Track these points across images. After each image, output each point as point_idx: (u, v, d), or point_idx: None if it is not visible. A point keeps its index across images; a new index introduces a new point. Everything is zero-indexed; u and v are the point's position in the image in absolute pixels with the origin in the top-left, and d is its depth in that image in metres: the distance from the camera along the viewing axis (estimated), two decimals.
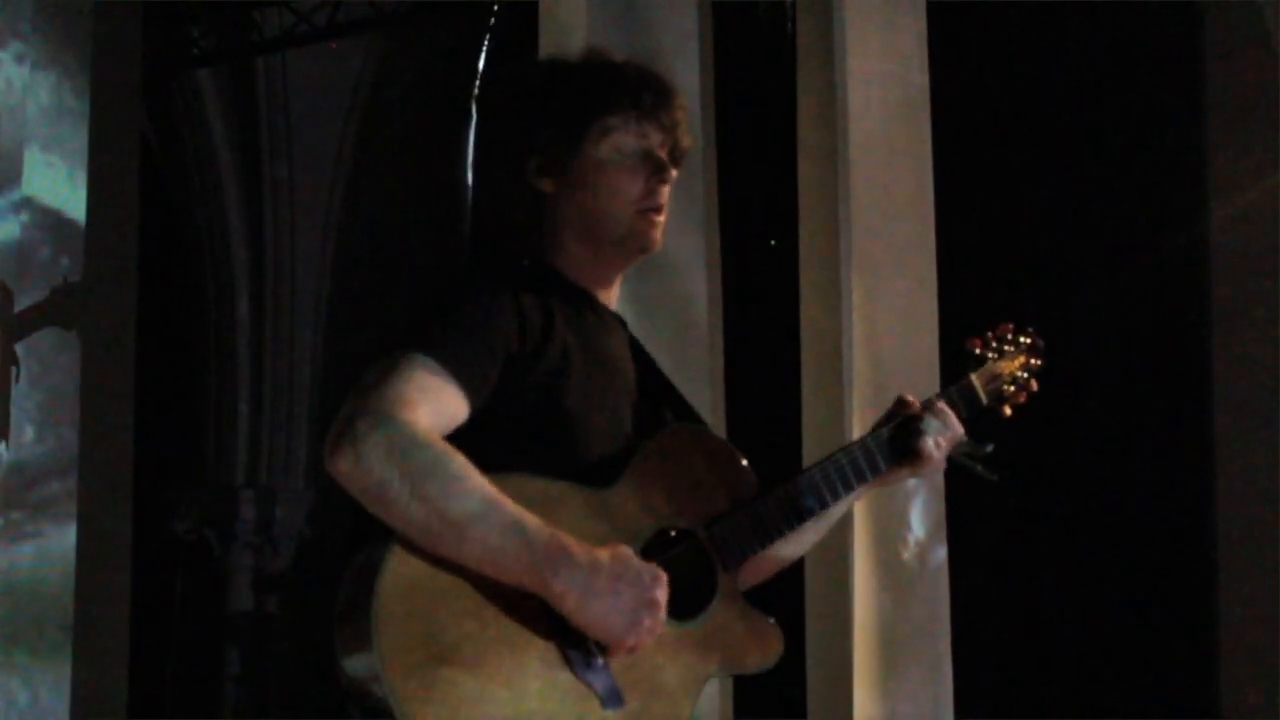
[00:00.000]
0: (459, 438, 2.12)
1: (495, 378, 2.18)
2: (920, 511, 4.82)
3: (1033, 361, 2.58)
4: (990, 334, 2.57)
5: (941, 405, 2.46)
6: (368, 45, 8.67)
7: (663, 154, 2.35)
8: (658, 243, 2.37)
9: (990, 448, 2.52)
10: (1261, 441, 5.84)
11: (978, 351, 2.55)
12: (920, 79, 5.00)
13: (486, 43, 8.00)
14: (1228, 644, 6.03)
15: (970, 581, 5.03)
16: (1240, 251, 5.98)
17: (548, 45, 4.61)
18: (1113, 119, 6.34)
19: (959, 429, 2.46)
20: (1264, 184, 5.76)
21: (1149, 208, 6.32)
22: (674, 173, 2.37)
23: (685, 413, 2.43)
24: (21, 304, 5.64)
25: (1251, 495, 5.89)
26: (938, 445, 2.42)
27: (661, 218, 2.36)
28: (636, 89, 2.35)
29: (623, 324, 2.43)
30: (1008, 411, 2.56)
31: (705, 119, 4.91)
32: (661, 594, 2.12)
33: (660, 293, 4.71)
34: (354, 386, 2.12)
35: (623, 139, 2.33)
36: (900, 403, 2.47)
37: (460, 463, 2.07)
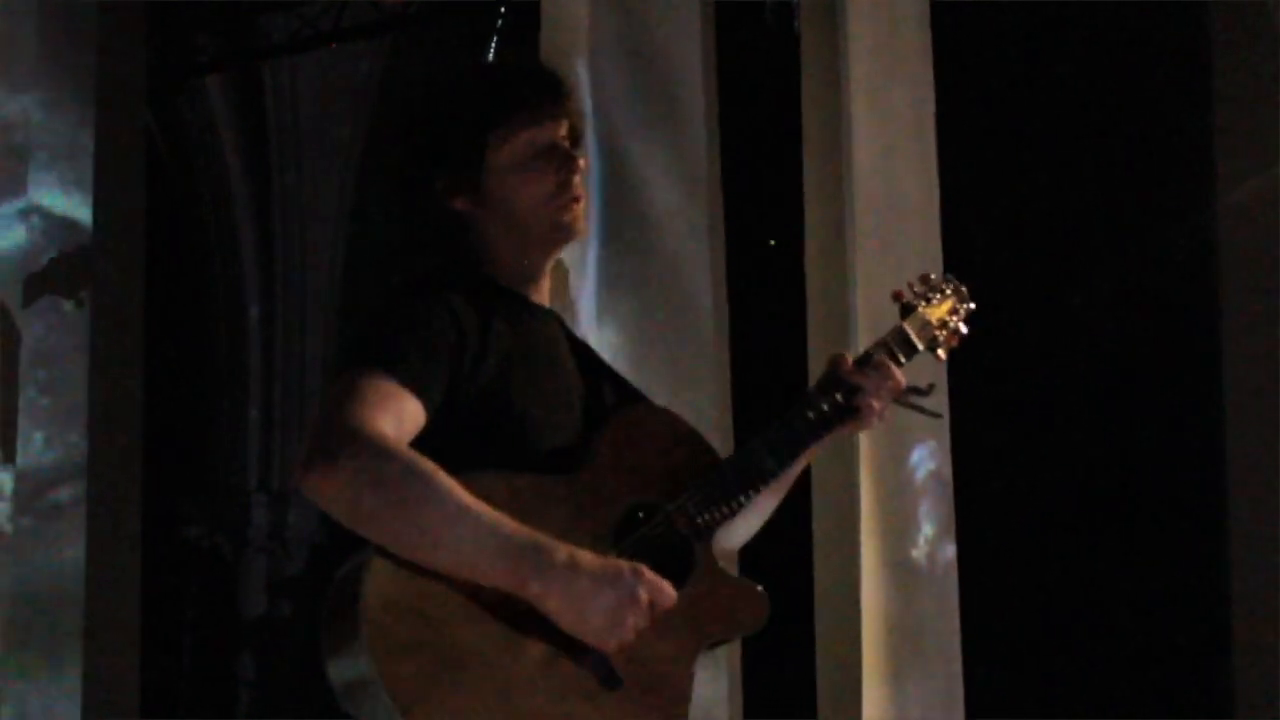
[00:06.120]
0: (416, 445, 2.15)
1: (445, 382, 2.21)
2: (929, 509, 4.81)
3: (960, 305, 2.62)
4: (910, 285, 2.60)
5: (879, 357, 2.49)
6: (374, 48, 8.67)
7: (565, 144, 2.38)
8: (584, 228, 2.42)
9: (930, 385, 2.55)
10: (1271, 438, 5.82)
11: (905, 301, 2.57)
12: (925, 75, 5.00)
13: (493, 44, 8.00)
14: (1241, 642, 6.01)
15: (980, 579, 5.02)
16: (1247, 244, 5.97)
17: (549, 46, 4.62)
18: (1119, 113, 6.33)
19: (898, 377, 2.48)
20: (1270, 177, 5.75)
21: (1156, 201, 6.32)
22: (581, 160, 2.40)
23: (630, 395, 2.47)
24: (29, 310, 5.65)
25: (1263, 491, 5.88)
26: (878, 397, 2.45)
27: (580, 204, 2.39)
28: (521, 90, 2.38)
29: (558, 320, 2.47)
30: (941, 355, 2.60)
31: (709, 117, 4.90)
32: (644, 592, 2.14)
33: (665, 293, 4.71)
34: (317, 410, 2.17)
35: (521, 142, 2.36)
36: (836, 360, 2.48)
37: (430, 470, 2.10)
